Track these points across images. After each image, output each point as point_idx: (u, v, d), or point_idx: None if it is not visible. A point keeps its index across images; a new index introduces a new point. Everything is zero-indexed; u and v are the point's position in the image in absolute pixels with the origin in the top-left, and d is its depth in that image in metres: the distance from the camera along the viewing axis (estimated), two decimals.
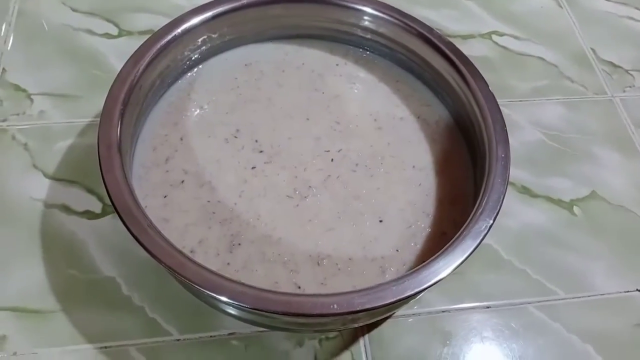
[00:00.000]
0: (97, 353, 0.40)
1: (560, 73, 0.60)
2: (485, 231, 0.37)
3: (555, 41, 0.63)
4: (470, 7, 0.65)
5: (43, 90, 0.53)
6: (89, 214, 0.46)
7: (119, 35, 0.58)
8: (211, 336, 0.42)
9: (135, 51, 0.43)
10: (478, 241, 0.36)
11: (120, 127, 0.39)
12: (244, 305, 0.32)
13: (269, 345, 0.42)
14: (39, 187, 0.47)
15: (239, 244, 0.41)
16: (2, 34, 0.56)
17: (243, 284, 0.33)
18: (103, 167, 0.37)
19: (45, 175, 0.48)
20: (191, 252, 0.40)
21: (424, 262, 0.40)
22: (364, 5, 0.48)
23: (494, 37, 0.63)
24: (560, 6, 0.67)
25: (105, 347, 0.40)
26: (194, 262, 0.34)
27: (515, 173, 0.52)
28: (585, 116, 0.57)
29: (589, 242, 0.49)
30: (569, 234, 0.50)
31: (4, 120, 0.50)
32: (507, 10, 0.65)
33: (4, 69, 0.54)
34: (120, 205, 0.35)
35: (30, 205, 0.46)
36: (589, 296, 0.46)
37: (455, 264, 0.36)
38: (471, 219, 0.38)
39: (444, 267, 0.36)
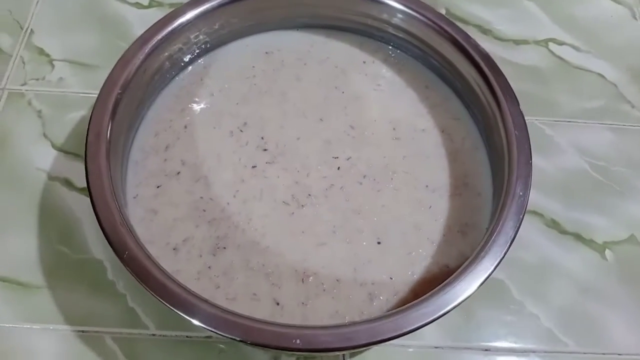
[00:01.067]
0: (74, 336, 0.40)
1: (619, 94, 0.53)
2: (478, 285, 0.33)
3: (620, 57, 0.56)
4: (529, 7, 0.59)
5: (65, 57, 0.52)
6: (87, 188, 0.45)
7: (149, 6, 0.56)
8: (187, 336, 0.40)
9: (144, 32, 0.41)
10: (471, 292, 0.32)
11: (114, 115, 0.37)
12: (201, 324, 0.31)
13: (244, 354, 0.40)
14: (46, 158, 0.47)
15: (224, 248, 0.39)
16: None
17: (206, 302, 0.32)
18: (88, 155, 0.36)
19: (54, 146, 0.47)
20: (174, 249, 0.39)
21: (417, 295, 0.38)
22: (397, 2, 0.44)
23: (551, 45, 0.56)
24: (635, 18, 0.59)
25: (83, 332, 0.40)
26: (161, 271, 0.32)
27: (547, 203, 0.47)
28: None
29: (615, 292, 0.44)
30: (595, 280, 0.44)
31: (23, 84, 0.50)
32: (571, 15, 0.58)
33: (31, 30, 0.54)
34: (96, 196, 0.34)
35: (34, 174, 0.46)
36: (602, 354, 0.42)
37: (442, 311, 0.32)
38: (469, 263, 0.34)
39: (431, 311, 0.32)
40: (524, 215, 0.35)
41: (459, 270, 0.34)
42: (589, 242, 0.46)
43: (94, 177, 0.34)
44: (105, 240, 0.33)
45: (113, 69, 0.39)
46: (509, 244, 0.34)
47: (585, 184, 0.49)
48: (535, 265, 0.45)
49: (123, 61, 0.39)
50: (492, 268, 0.33)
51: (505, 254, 0.34)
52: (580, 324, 0.43)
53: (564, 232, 0.46)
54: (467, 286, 0.33)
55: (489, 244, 0.34)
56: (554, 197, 0.48)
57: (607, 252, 0.46)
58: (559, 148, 0.50)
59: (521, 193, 0.36)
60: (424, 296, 0.33)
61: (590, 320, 0.43)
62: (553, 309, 0.43)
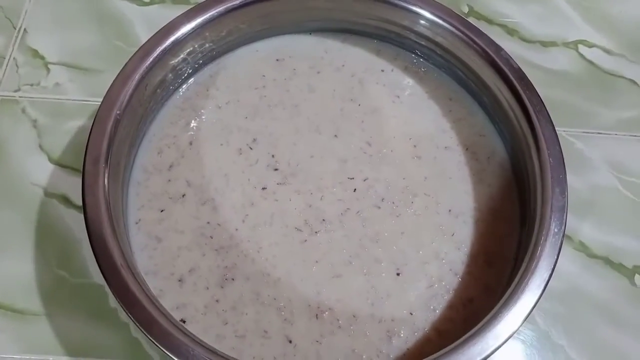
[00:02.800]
0: None
1: None
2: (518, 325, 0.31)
3: None
4: (560, 5, 0.55)
5: (61, 60, 0.49)
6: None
7: (151, 3, 0.52)
8: None
9: (145, 42, 0.37)
10: (501, 342, 0.30)
11: (113, 138, 0.34)
12: None
13: None
14: (42, 172, 0.44)
15: (233, 279, 0.36)
16: None
17: (215, 354, 0.29)
18: (85, 185, 0.33)
19: (50, 159, 0.44)
20: (179, 280, 0.36)
21: (439, 333, 0.35)
22: (421, 7, 0.40)
23: (581, 47, 0.52)
24: None
25: None
26: (162, 313, 0.30)
27: (575, 224, 0.44)
28: None
29: None
30: (624, 307, 0.42)
31: (17, 90, 0.47)
32: (605, 14, 0.54)
33: (25, 29, 0.50)
34: (95, 233, 0.31)
35: (30, 190, 0.43)
36: None
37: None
38: (500, 309, 0.31)
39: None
40: (559, 255, 0.32)
41: (489, 316, 0.31)
42: (617, 267, 0.43)
43: (92, 211, 0.32)
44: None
45: (112, 86, 0.36)
46: (543, 287, 0.32)
47: (616, 203, 0.46)
48: (561, 291, 0.42)
49: (123, 76, 0.36)
50: (525, 315, 0.31)
51: (539, 299, 0.31)
52: (607, 354, 0.40)
53: (593, 256, 0.43)
54: (498, 336, 0.30)
55: (521, 288, 0.31)
56: (582, 218, 0.45)
57: (637, 277, 0.43)
58: (589, 163, 0.47)
59: (556, 230, 0.33)
60: (453, 345, 0.30)
61: (617, 350, 0.40)
62: (579, 339, 0.41)
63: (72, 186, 0.43)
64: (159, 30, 0.38)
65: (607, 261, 0.43)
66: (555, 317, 0.41)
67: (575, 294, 0.42)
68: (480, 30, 0.39)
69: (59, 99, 0.47)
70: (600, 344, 0.41)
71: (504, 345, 0.39)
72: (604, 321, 0.41)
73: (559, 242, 0.33)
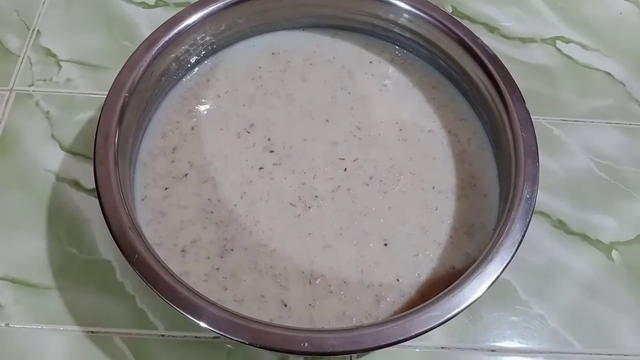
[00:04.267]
0: (83, 336, 0.40)
1: (627, 94, 0.53)
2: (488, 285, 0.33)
3: (629, 56, 0.55)
4: (536, 5, 0.59)
5: (72, 58, 0.52)
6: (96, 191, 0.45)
7: (155, 6, 0.56)
8: (196, 337, 0.41)
9: (151, 34, 0.41)
10: (478, 295, 0.32)
11: (122, 117, 0.37)
12: (210, 328, 0.31)
13: (252, 354, 0.41)
14: (54, 159, 0.47)
15: (232, 250, 0.39)
16: None
17: (215, 305, 0.32)
18: (97, 156, 0.36)
19: (62, 147, 0.48)
20: (182, 251, 0.39)
21: (423, 297, 0.38)
22: (404, 2, 0.44)
23: (559, 43, 0.56)
24: None
25: (92, 332, 0.40)
26: (170, 274, 0.32)
27: (554, 203, 0.47)
28: None
29: (622, 293, 0.44)
30: (601, 281, 0.44)
31: (30, 85, 0.51)
32: (578, 13, 0.58)
33: (38, 30, 0.54)
34: (105, 200, 0.34)
35: (43, 176, 0.46)
36: (609, 354, 0.42)
37: (449, 314, 0.32)
38: (477, 266, 0.34)
39: (439, 315, 0.32)
40: (531, 218, 0.35)
41: (466, 273, 0.34)
42: (595, 243, 0.46)
43: (103, 180, 0.35)
44: (114, 242, 0.34)
45: (120, 72, 0.39)
46: (516, 246, 0.34)
47: (593, 184, 0.49)
48: (542, 265, 0.45)
49: (130, 63, 0.39)
50: (500, 271, 0.33)
51: (512, 257, 0.34)
52: (586, 324, 0.43)
53: (570, 232, 0.46)
54: (474, 289, 0.33)
55: (496, 247, 0.34)
56: (560, 197, 0.48)
57: (614, 252, 0.46)
58: (567, 148, 0.50)
59: (528, 196, 0.36)
60: (432, 299, 0.33)
61: (596, 320, 0.43)
62: (559, 310, 0.43)
63: (82, 171, 0.46)
64: (163, 23, 0.41)
65: (585, 237, 0.46)
66: (536, 290, 0.44)
67: (555, 268, 0.45)
68: (459, 21, 0.43)
69: (69, 92, 0.50)
70: (579, 314, 0.43)
71: (488, 316, 0.42)
72: (582, 293, 0.44)
73: (531, 207, 0.35)
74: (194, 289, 0.33)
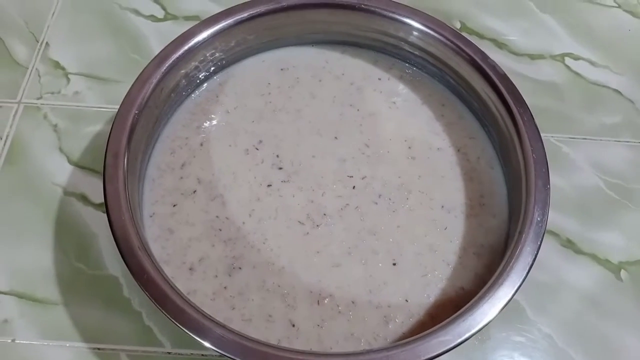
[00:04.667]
0: (89, 353, 0.40)
1: (636, 111, 0.53)
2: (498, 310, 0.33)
3: (638, 73, 0.55)
4: (545, 21, 0.58)
5: (80, 70, 0.52)
6: (105, 208, 0.45)
7: (164, 19, 0.56)
8: (203, 355, 0.41)
9: (161, 51, 0.41)
10: (489, 319, 0.32)
11: (132, 135, 0.37)
12: (218, 351, 0.31)
13: None
14: (61, 172, 0.47)
15: (240, 268, 0.39)
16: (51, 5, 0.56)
17: (223, 327, 0.32)
18: (106, 174, 0.36)
19: (70, 161, 0.48)
20: (190, 269, 0.39)
21: (432, 318, 0.38)
22: (414, 20, 0.44)
23: (567, 60, 0.56)
24: None
25: (98, 349, 0.40)
26: (178, 295, 0.32)
27: (562, 222, 0.47)
28: None
29: (631, 314, 0.44)
30: (610, 301, 0.44)
31: (39, 98, 0.51)
32: (588, 28, 0.58)
33: (47, 42, 0.54)
34: (115, 219, 0.34)
35: (50, 189, 0.46)
36: None
37: (460, 338, 0.32)
38: (487, 289, 0.34)
39: (450, 339, 0.32)
40: (542, 242, 0.35)
41: (477, 296, 0.34)
42: (604, 262, 0.46)
43: (112, 199, 0.35)
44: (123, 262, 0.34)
45: (130, 89, 0.39)
46: (527, 270, 0.34)
47: (601, 203, 0.48)
48: (550, 285, 0.45)
49: (140, 80, 0.39)
50: (511, 295, 0.33)
51: (523, 280, 0.34)
52: (595, 344, 0.42)
53: (579, 252, 0.46)
54: (485, 313, 0.33)
55: (507, 270, 0.34)
56: (569, 216, 0.47)
57: (623, 272, 0.45)
58: (575, 166, 0.50)
59: (539, 219, 0.36)
60: (442, 323, 0.33)
61: (604, 341, 0.43)
62: (568, 330, 0.43)
63: (90, 185, 0.46)
64: (173, 40, 0.41)
65: (594, 257, 0.46)
66: (544, 310, 0.43)
67: (563, 288, 0.45)
68: (469, 40, 0.43)
69: (77, 105, 0.50)
70: (588, 335, 0.43)
71: (495, 336, 0.42)
72: (591, 313, 0.44)
73: (542, 230, 0.35)
74: (202, 310, 0.32)
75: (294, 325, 0.37)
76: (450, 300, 0.38)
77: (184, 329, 0.31)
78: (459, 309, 0.36)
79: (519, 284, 0.34)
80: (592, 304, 0.44)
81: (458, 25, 0.57)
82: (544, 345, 0.42)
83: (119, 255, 0.43)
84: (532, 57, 0.56)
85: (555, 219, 0.47)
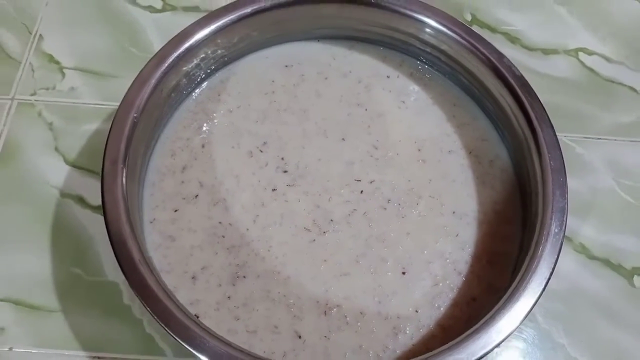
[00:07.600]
0: None
1: None
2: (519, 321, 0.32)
3: None
4: (561, 13, 0.56)
5: (76, 64, 0.50)
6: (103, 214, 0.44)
7: (163, 10, 0.54)
8: None
9: (160, 50, 0.39)
10: (504, 337, 0.31)
11: (131, 140, 0.36)
12: None
13: None
14: (57, 173, 0.45)
15: (244, 277, 0.38)
16: None
17: (230, 345, 0.30)
18: (104, 184, 0.34)
19: (66, 161, 0.46)
20: (192, 278, 0.37)
21: (443, 329, 0.37)
22: (427, 16, 0.42)
23: (581, 55, 0.54)
24: None
25: (98, 358, 0.39)
26: (184, 313, 0.31)
27: (576, 225, 0.46)
28: None
29: None
30: (624, 308, 0.43)
31: (33, 94, 0.49)
32: (604, 22, 0.56)
33: (40, 35, 0.52)
34: (114, 232, 0.33)
35: (46, 191, 0.44)
36: None
37: (475, 357, 0.31)
38: (503, 305, 0.32)
39: (465, 357, 0.31)
40: (559, 255, 0.34)
41: (492, 312, 0.32)
42: (617, 268, 0.45)
43: (111, 210, 0.33)
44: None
45: (129, 90, 0.37)
46: (544, 285, 0.33)
47: (615, 206, 0.47)
48: (563, 292, 0.43)
49: (139, 81, 0.38)
50: (527, 312, 0.32)
51: (539, 296, 0.32)
52: (607, 352, 0.41)
53: (592, 257, 0.45)
54: (500, 331, 0.32)
55: (523, 285, 0.33)
56: (582, 220, 0.46)
57: (636, 278, 0.44)
58: (591, 166, 0.48)
59: (557, 230, 0.34)
60: (456, 340, 0.32)
61: (618, 350, 0.42)
62: (580, 339, 0.42)
63: (87, 187, 0.45)
64: (173, 37, 0.39)
65: (607, 262, 0.45)
66: (556, 317, 0.42)
67: (576, 294, 0.43)
68: (484, 39, 0.41)
69: (73, 102, 0.48)
70: (600, 342, 0.42)
71: (506, 344, 0.40)
72: (603, 320, 0.42)
73: (559, 242, 0.34)
74: (207, 326, 0.31)
75: (300, 337, 0.36)
76: (461, 311, 0.37)
77: (189, 347, 0.30)
78: (471, 321, 0.35)
79: (535, 300, 0.32)
80: (605, 311, 0.43)
81: (469, 18, 0.55)
82: (556, 355, 0.41)
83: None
84: (546, 52, 0.54)
85: (568, 222, 0.45)
